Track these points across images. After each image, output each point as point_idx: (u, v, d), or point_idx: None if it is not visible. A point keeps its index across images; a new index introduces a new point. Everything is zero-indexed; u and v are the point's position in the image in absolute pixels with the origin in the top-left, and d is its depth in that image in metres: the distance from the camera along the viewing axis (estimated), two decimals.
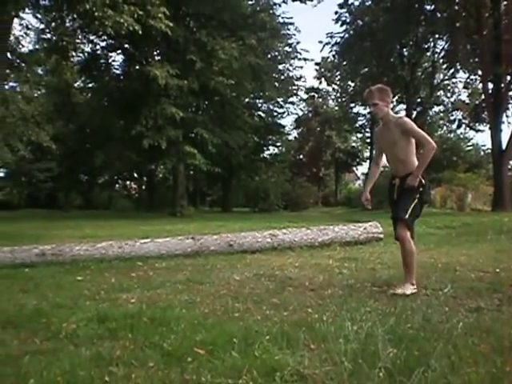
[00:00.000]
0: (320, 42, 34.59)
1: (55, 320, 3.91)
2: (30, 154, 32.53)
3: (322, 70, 46.39)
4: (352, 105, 42.25)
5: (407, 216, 4.90)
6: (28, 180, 48.66)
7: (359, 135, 49.38)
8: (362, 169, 52.80)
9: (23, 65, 20.71)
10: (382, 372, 2.65)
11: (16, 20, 18.25)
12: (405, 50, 32.84)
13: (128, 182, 50.40)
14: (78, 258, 6.99)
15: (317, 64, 45.12)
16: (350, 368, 2.72)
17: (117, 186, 49.52)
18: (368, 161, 42.35)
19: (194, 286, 5.36)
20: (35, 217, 26.91)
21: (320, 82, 48.19)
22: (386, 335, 3.22)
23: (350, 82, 39.90)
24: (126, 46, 28.05)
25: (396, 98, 34.34)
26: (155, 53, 27.82)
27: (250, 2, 29.25)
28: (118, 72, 30.76)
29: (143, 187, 46.52)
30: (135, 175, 45.16)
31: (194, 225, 16.01)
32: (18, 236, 12.25)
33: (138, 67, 27.38)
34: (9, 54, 18.13)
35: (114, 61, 30.96)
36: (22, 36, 21.54)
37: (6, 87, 21.19)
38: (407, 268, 4.95)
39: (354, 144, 50.69)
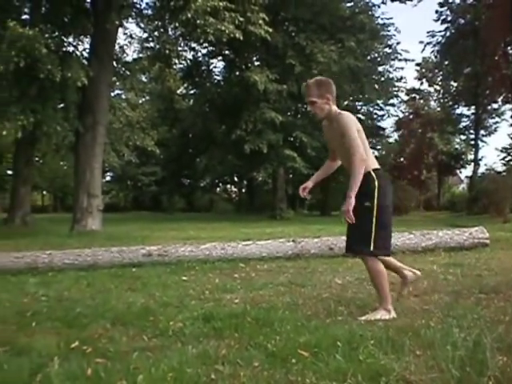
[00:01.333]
0: (421, 41, 33.94)
1: (162, 318, 4.01)
2: (136, 159, 33.82)
3: (423, 70, 45.14)
4: (455, 106, 40.87)
5: (372, 248, 3.99)
6: (133, 183, 50.65)
7: (463, 137, 47.57)
8: (467, 172, 50.98)
9: (128, 73, 21.48)
10: (492, 381, 2.53)
11: (120, 29, 18.97)
12: (509, 48, 31.38)
13: (228, 186, 51.24)
14: (183, 259, 7.18)
15: (417, 64, 43.95)
16: (457, 375, 2.61)
17: (218, 189, 50.45)
18: (472, 163, 40.84)
19: (295, 289, 5.34)
20: (140, 219, 27.93)
21: (421, 83, 46.92)
22: (494, 343, 3.08)
23: (452, 82, 38.70)
24: (227, 52, 28.61)
25: (501, 97, 32.94)
26: (255, 58, 28.13)
27: (349, 4, 29.01)
28: (218, 78, 31.47)
29: (243, 190, 47.11)
30: (235, 179, 45.83)
31: (294, 228, 16.02)
32: (125, 237, 12.75)
33: (238, 73, 27.84)
34: (114, 63, 18.86)
35: (214, 67, 31.69)
36: (126, 45, 22.54)
37: (113, 94, 22.06)
38: (376, 290, 4.23)
39: (457, 146, 48.90)
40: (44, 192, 55.21)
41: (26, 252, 7.19)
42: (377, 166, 4.19)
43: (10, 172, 37.85)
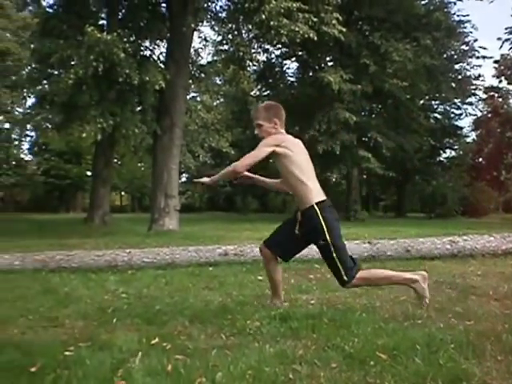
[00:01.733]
0: (498, 38, 32.73)
1: (240, 317, 4.04)
2: (211, 160, 34.32)
3: (502, 67, 43.59)
4: None
5: (347, 278, 4.08)
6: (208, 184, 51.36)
7: None
8: None
9: (203, 75, 21.84)
10: None
11: (195, 33, 19.27)
12: None
13: None
14: (258, 259, 7.16)
15: (496, 62, 42.50)
16: None
17: None
18: None
19: (372, 291, 5.26)
20: (215, 219, 28.30)
21: (500, 81, 45.28)
22: None
23: None
24: (300, 53, 28.58)
25: None
26: (328, 58, 27.97)
27: (424, 2, 28.35)
28: (292, 79, 31.47)
29: None
30: None
31: (369, 229, 15.82)
32: (201, 237, 12.94)
33: (311, 73, 27.77)
34: (190, 66, 19.20)
35: (288, 68, 31.78)
36: (200, 48, 22.77)
37: (188, 97, 22.47)
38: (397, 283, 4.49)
39: None
40: (122, 192, 56.91)
41: (106, 250, 7.41)
42: (321, 198, 4.15)
43: (89, 173, 39.25)
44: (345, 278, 4.00)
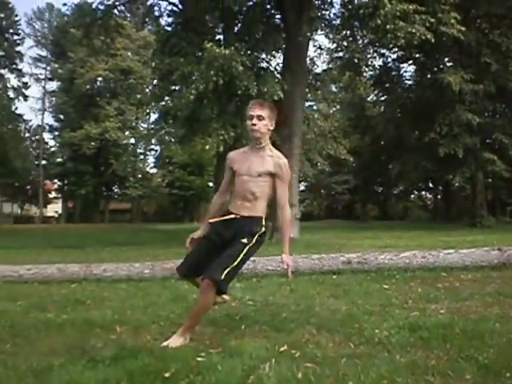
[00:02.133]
0: None
1: (367, 326, 3.99)
2: (329, 168, 34.20)
3: None
4: None
5: (223, 277, 3.67)
6: (327, 192, 51.30)
7: None
8: None
9: (319, 84, 21.87)
10: None
11: (310, 42, 19.33)
12: None
13: (423, 193, 49.74)
14: (383, 267, 7.08)
15: None
16: None
17: (412, 196, 49.21)
18: None
19: (504, 300, 5.02)
20: (335, 227, 28.15)
21: None
22: None
23: None
24: (417, 55, 27.90)
25: None
26: (447, 59, 27.14)
27: None
28: (409, 82, 30.82)
29: (439, 197, 45.47)
30: (430, 185, 44.40)
31: (497, 236, 15.08)
32: (322, 245, 12.93)
33: (429, 75, 27.07)
34: (306, 75, 19.29)
35: (405, 71, 31.12)
36: (316, 57, 22.82)
37: (306, 106, 22.57)
38: (190, 321, 3.85)
39: None
40: None
41: None
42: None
43: (211, 184, 40.40)
44: (221, 277, 3.68)
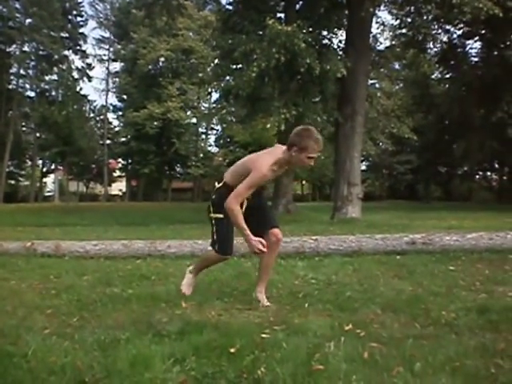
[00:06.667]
0: None
1: (433, 307, 3.92)
2: (392, 147, 33.66)
3: None
4: None
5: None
6: (389, 172, 50.59)
7: None
8: None
9: (382, 61, 21.47)
10: None
11: (373, 19, 18.93)
12: None
13: (488, 173, 48.33)
14: (448, 248, 6.94)
15: None
16: None
17: (477, 177, 47.91)
18: None
19: None
20: (397, 207, 27.78)
21: None
22: None
23: None
24: (483, 31, 26.98)
25: None
26: None
27: None
28: (475, 59, 29.89)
29: (504, 178, 44.10)
30: (496, 165, 43.09)
31: None
32: (385, 225, 12.76)
33: (496, 52, 26.17)
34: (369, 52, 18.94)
35: (471, 48, 30.17)
36: (378, 33, 22.35)
37: (369, 83, 22.22)
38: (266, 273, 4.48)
39: None
40: (303, 182, 57.88)
41: (293, 237, 7.56)
42: None
43: None
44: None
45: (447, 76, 32.59)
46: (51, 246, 7.73)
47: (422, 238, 7.10)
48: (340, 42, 20.29)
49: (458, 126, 31.37)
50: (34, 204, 38.41)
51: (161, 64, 49.86)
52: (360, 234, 7.85)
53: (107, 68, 56.21)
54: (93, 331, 3.45)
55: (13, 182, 51.24)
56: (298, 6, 19.54)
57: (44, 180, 57.99)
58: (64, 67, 50.26)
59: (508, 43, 24.98)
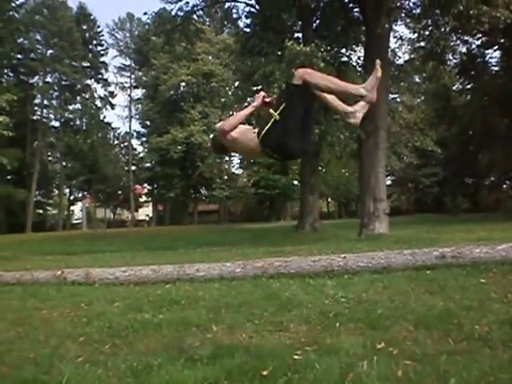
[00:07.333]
0: None
1: (466, 321, 3.89)
2: (416, 160, 33.43)
3: None
4: None
5: None
6: (414, 186, 50.25)
7: None
8: None
9: (402, 75, 21.47)
10: None
11: (391, 33, 18.95)
12: None
13: None
14: (478, 261, 6.85)
15: None
16: None
17: (504, 186, 47.26)
18: None
19: None
20: (424, 221, 27.50)
21: None
22: None
23: None
24: (502, 40, 26.82)
25: None
26: None
27: None
28: (495, 69, 29.73)
29: None
30: None
31: None
32: (413, 240, 12.65)
33: None
34: (388, 67, 18.94)
35: (490, 58, 30.00)
36: (397, 48, 22.29)
37: (390, 98, 22.20)
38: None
39: None
40: (329, 199, 57.69)
41: (321, 256, 7.54)
42: None
43: (296, 182, 40.41)
44: None
45: (468, 87, 32.38)
46: (81, 274, 7.82)
47: (452, 252, 7.02)
48: (359, 58, 20.33)
49: (482, 136, 31.07)
50: (62, 232, 38.88)
51: (182, 89, 50.37)
52: (388, 250, 7.79)
53: (129, 95, 57.00)
54: (125, 358, 3.49)
55: (41, 211, 51.79)
56: (315, 25, 19.64)
57: (71, 208, 58.61)
58: (87, 96, 51.17)
59: None
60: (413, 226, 22.23)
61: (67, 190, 54.87)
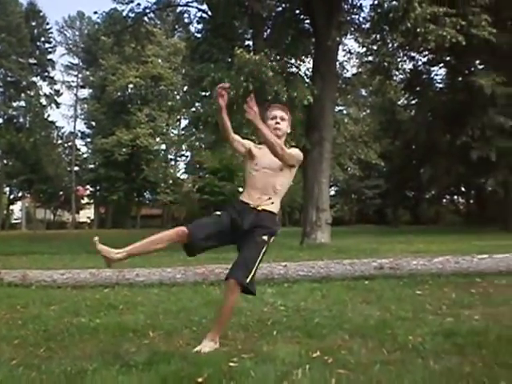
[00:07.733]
0: None
1: (400, 332, 3.95)
2: (360, 172, 33.99)
3: None
4: None
5: (248, 280, 3.71)
6: (357, 197, 51.10)
7: None
8: None
9: (349, 88, 21.84)
10: None
11: (340, 47, 19.27)
12: None
13: (455, 197, 49.09)
14: (415, 272, 7.01)
15: None
16: None
17: (444, 200, 48.60)
18: None
19: None
20: (366, 232, 28.00)
21: None
22: None
23: None
24: (448, 58, 27.64)
25: None
26: (478, 62, 26.84)
27: None
28: (440, 86, 30.58)
29: (471, 201, 44.86)
30: (463, 189, 43.83)
31: None
32: (354, 250, 12.85)
33: (461, 78, 26.82)
34: (336, 79, 19.23)
35: (436, 75, 30.91)
36: (345, 61, 22.65)
37: (336, 110, 22.53)
38: (218, 324, 3.80)
39: None
40: None
41: (263, 264, 7.56)
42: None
43: (241, 189, 40.47)
44: (248, 279, 3.71)
45: (413, 102, 33.14)
46: (18, 276, 7.60)
47: (390, 263, 7.17)
48: (307, 69, 20.56)
49: (425, 150, 31.83)
50: (0, 232, 37.77)
51: (129, 90, 49.94)
52: (329, 260, 7.88)
53: (75, 94, 56.14)
54: (60, 362, 3.40)
55: None
56: (265, 34, 19.77)
57: (11, 207, 57.13)
58: (32, 93, 50.04)
59: (472, 69, 25.57)
60: (354, 236, 22.60)
61: (7, 189, 53.48)
